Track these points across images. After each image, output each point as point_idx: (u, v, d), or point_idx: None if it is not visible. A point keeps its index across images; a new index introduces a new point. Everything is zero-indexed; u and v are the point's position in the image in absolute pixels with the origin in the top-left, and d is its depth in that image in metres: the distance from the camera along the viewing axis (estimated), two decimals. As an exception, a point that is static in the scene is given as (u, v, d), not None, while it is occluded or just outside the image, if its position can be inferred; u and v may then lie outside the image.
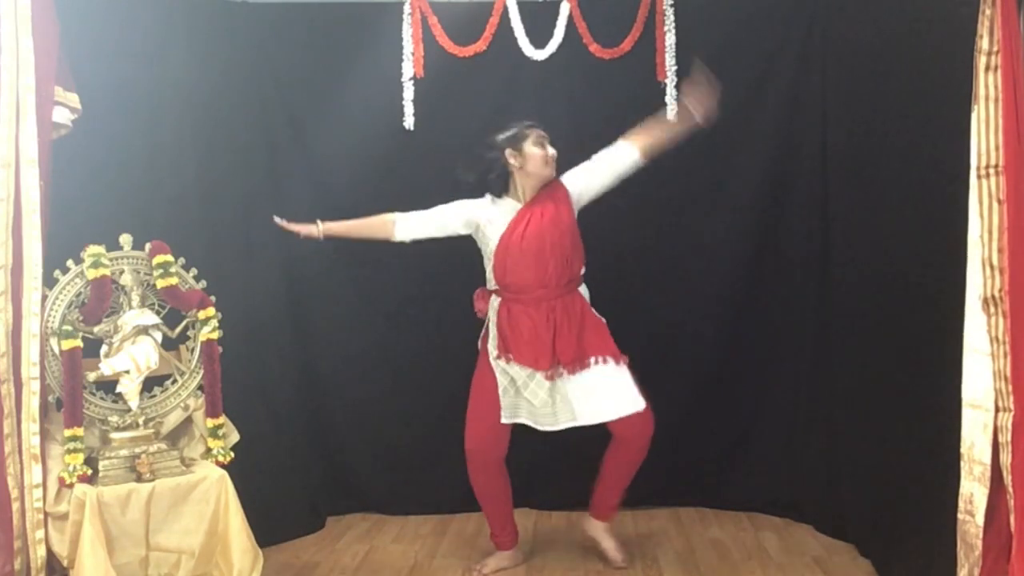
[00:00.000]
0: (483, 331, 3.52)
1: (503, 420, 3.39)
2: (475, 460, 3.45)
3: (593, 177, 3.45)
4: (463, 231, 3.48)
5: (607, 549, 3.55)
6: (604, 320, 3.46)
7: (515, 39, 4.01)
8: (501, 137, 3.41)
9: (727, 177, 4.09)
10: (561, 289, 3.36)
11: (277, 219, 3.51)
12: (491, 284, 3.46)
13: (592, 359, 3.35)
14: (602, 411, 3.34)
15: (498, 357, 3.38)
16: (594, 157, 3.47)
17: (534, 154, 3.37)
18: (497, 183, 3.42)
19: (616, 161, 3.43)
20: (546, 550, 3.74)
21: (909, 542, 3.17)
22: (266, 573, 3.11)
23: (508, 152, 3.39)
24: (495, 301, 3.44)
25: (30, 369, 2.80)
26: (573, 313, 3.36)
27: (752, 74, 4.05)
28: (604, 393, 3.34)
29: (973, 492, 2.47)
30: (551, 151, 3.40)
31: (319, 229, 3.49)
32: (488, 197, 3.46)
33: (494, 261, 3.39)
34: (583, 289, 3.47)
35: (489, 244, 3.41)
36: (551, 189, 3.42)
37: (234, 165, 3.91)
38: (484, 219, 3.42)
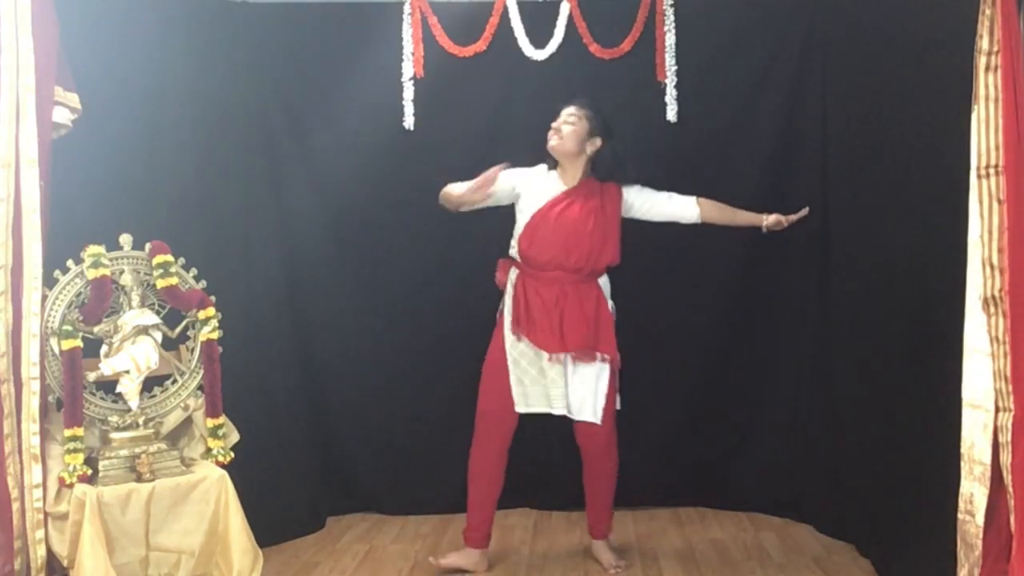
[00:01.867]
0: (501, 304, 3.52)
1: (517, 409, 3.38)
2: (484, 423, 3.41)
3: (649, 203, 3.49)
4: (507, 201, 3.46)
5: (603, 561, 3.55)
6: (614, 315, 3.46)
7: (515, 39, 4.02)
8: None
9: (727, 176, 4.09)
10: (578, 276, 3.37)
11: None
12: (513, 252, 3.47)
13: (599, 355, 3.36)
14: (573, 407, 3.35)
15: (512, 331, 3.37)
16: (663, 192, 3.50)
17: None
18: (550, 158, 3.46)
19: (678, 208, 3.49)
20: (546, 550, 3.74)
21: (909, 542, 3.17)
22: (266, 573, 3.11)
23: None
24: (513, 274, 3.45)
25: (30, 369, 2.80)
26: (586, 301, 3.37)
27: (752, 74, 4.05)
28: (584, 391, 3.35)
29: (973, 492, 2.47)
30: (558, 122, 3.39)
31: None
32: (542, 167, 3.47)
33: (523, 232, 3.39)
34: (604, 281, 3.47)
35: (524, 213, 3.41)
36: (605, 186, 3.43)
37: (234, 165, 3.91)
38: (527, 188, 3.42)
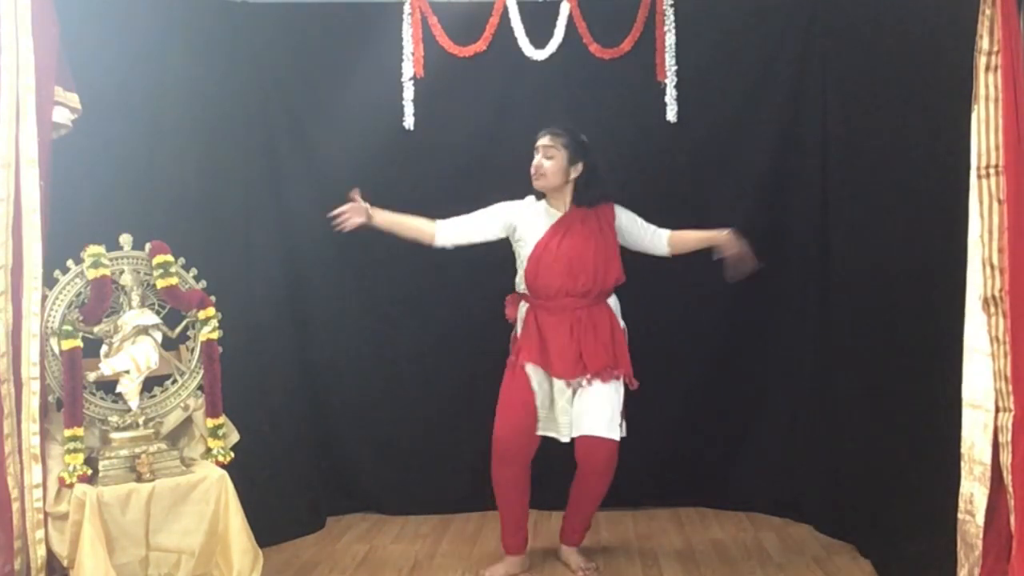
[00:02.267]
0: (512, 336, 3.51)
1: (537, 432, 3.37)
2: (500, 451, 3.38)
3: (635, 235, 3.48)
4: (501, 235, 3.46)
5: (571, 565, 3.54)
6: (626, 333, 3.46)
7: (515, 39, 4.02)
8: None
9: (727, 176, 4.09)
10: (588, 300, 3.36)
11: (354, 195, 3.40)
12: (520, 287, 3.46)
13: (617, 372, 3.35)
14: (575, 425, 3.32)
15: (532, 364, 3.35)
16: (645, 223, 3.49)
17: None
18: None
19: (652, 242, 3.49)
20: (546, 550, 3.73)
21: (909, 542, 3.17)
22: (266, 573, 3.11)
23: None
24: (523, 308, 3.45)
25: (30, 369, 2.80)
26: (600, 324, 3.36)
27: (752, 73, 4.05)
28: (593, 408, 3.31)
29: (973, 492, 2.47)
30: (537, 160, 3.37)
31: (370, 215, 3.38)
32: (530, 198, 3.46)
33: (527, 265, 3.37)
34: (613, 300, 3.46)
35: (524, 247, 3.40)
36: (599, 208, 3.42)
37: (234, 165, 3.91)
38: (521, 222, 3.42)
